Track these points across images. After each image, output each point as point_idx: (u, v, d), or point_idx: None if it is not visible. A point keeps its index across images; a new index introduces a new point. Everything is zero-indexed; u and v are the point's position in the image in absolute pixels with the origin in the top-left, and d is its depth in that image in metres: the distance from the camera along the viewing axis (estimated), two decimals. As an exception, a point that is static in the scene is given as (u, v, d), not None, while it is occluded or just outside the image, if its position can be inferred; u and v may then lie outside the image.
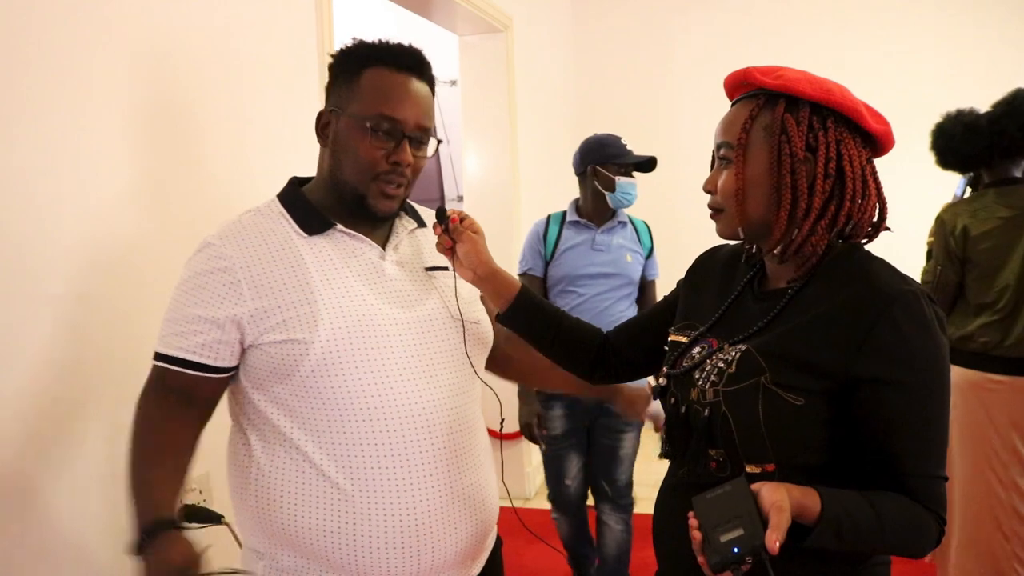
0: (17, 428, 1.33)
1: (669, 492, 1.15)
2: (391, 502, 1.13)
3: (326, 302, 1.14)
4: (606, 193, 2.61)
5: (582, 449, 2.69)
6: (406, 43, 1.22)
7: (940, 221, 2.53)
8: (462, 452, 1.21)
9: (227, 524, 1.66)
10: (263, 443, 1.16)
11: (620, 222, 2.68)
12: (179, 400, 1.16)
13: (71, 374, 1.44)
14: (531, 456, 3.98)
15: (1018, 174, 2.44)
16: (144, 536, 1.04)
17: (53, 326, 1.40)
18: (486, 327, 1.32)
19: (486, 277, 1.24)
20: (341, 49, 1.22)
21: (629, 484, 2.70)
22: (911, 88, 4.17)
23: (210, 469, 1.73)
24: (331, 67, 1.23)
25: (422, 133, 1.20)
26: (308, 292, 1.14)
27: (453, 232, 1.23)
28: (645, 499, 3.36)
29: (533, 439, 2.64)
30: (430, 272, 1.28)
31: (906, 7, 4.55)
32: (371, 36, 1.23)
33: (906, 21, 4.55)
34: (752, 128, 1.03)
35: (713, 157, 1.11)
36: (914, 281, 0.99)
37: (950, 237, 2.46)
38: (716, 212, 1.09)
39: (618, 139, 2.68)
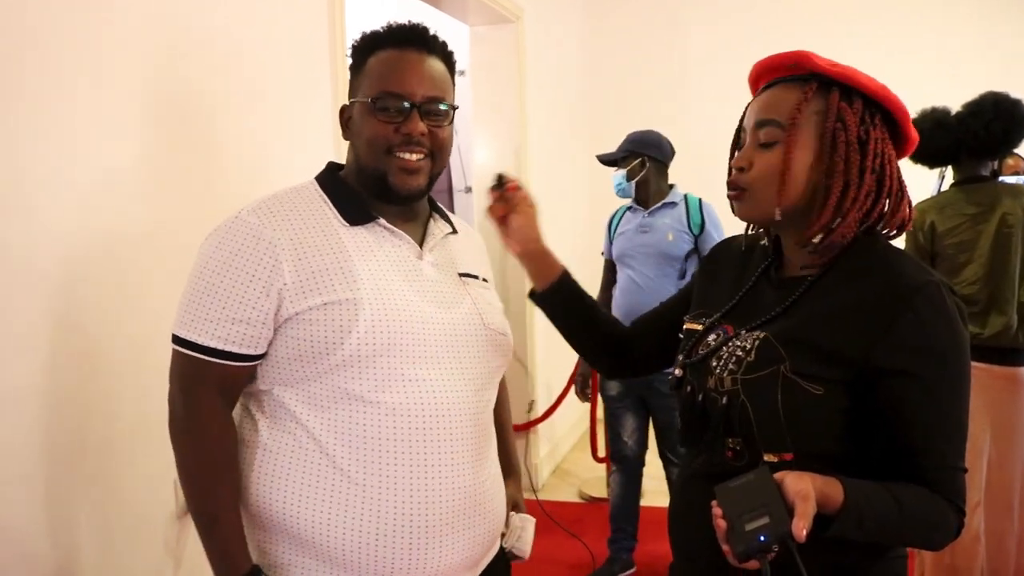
0: (23, 423, 1.33)
1: (685, 483, 1.14)
2: (406, 501, 1.10)
3: (368, 293, 1.11)
4: None
5: (638, 411, 2.95)
6: (409, 22, 1.21)
7: None
8: (479, 457, 1.19)
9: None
10: (272, 427, 1.14)
11: (669, 203, 2.88)
12: (221, 394, 1.13)
13: (79, 366, 1.43)
14: (538, 448, 3.98)
15: (985, 173, 2.55)
16: None
17: (62, 319, 1.40)
18: (510, 340, 1.30)
19: (534, 254, 1.21)
20: (352, 44, 1.22)
21: None
22: (911, 87, 4.15)
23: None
24: (350, 65, 1.23)
25: (432, 103, 1.17)
26: (351, 281, 1.11)
27: (509, 200, 1.17)
28: (653, 492, 3.38)
29: (580, 396, 3.18)
30: (463, 278, 1.26)
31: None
32: (374, 22, 1.22)
33: (914, 18, 4.51)
34: (803, 111, 1.01)
35: (737, 134, 1.09)
36: (935, 272, 0.99)
37: (919, 233, 2.57)
38: (739, 192, 1.06)
39: None
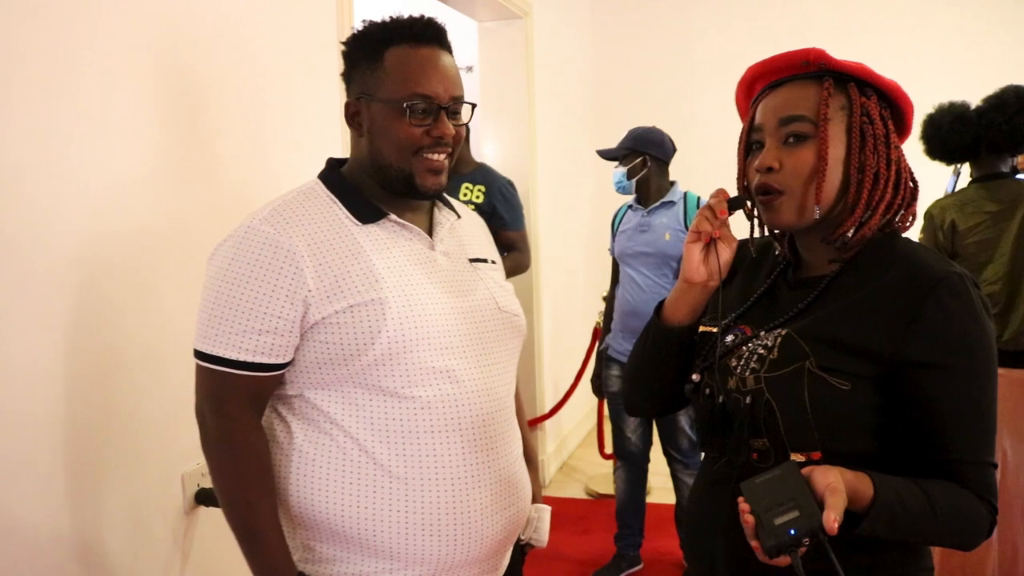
0: (33, 421, 1.33)
1: (705, 488, 1.11)
2: (448, 490, 1.13)
3: (392, 291, 1.11)
4: None
5: None
6: (419, 15, 1.19)
7: (929, 216, 2.60)
8: (504, 441, 1.21)
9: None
10: (306, 429, 1.14)
11: (667, 202, 2.85)
12: (252, 405, 1.13)
13: (87, 365, 1.43)
14: (545, 444, 3.98)
15: (1005, 169, 2.50)
16: None
17: (70, 319, 1.39)
18: (524, 320, 1.32)
19: (706, 289, 1.11)
20: (355, 34, 1.19)
21: (694, 446, 2.86)
22: (918, 87, 4.12)
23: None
24: (347, 53, 1.20)
25: (457, 103, 1.18)
26: (374, 281, 1.11)
27: (723, 229, 1.09)
28: (660, 489, 3.38)
29: (597, 393, 3.14)
30: (473, 264, 1.27)
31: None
32: (381, 15, 1.19)
33: (925, 21, 4.49)
34: (831, 106, 1.00)
35: (744, 136, 1.07)
36: (957, 264, 0.98)
37: (939, 231, 2.52)
38: (774, 195, 1.01)
39: None
